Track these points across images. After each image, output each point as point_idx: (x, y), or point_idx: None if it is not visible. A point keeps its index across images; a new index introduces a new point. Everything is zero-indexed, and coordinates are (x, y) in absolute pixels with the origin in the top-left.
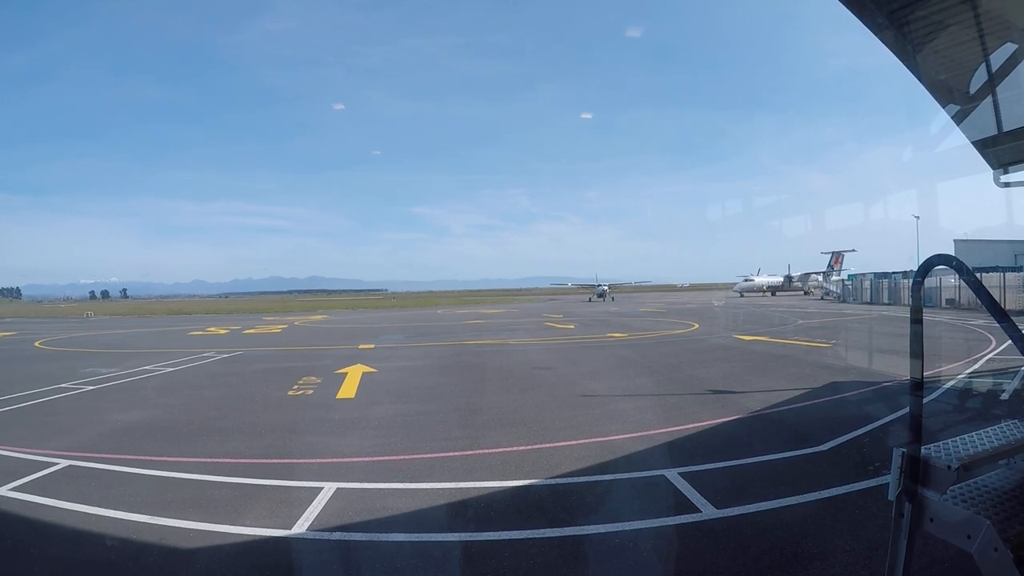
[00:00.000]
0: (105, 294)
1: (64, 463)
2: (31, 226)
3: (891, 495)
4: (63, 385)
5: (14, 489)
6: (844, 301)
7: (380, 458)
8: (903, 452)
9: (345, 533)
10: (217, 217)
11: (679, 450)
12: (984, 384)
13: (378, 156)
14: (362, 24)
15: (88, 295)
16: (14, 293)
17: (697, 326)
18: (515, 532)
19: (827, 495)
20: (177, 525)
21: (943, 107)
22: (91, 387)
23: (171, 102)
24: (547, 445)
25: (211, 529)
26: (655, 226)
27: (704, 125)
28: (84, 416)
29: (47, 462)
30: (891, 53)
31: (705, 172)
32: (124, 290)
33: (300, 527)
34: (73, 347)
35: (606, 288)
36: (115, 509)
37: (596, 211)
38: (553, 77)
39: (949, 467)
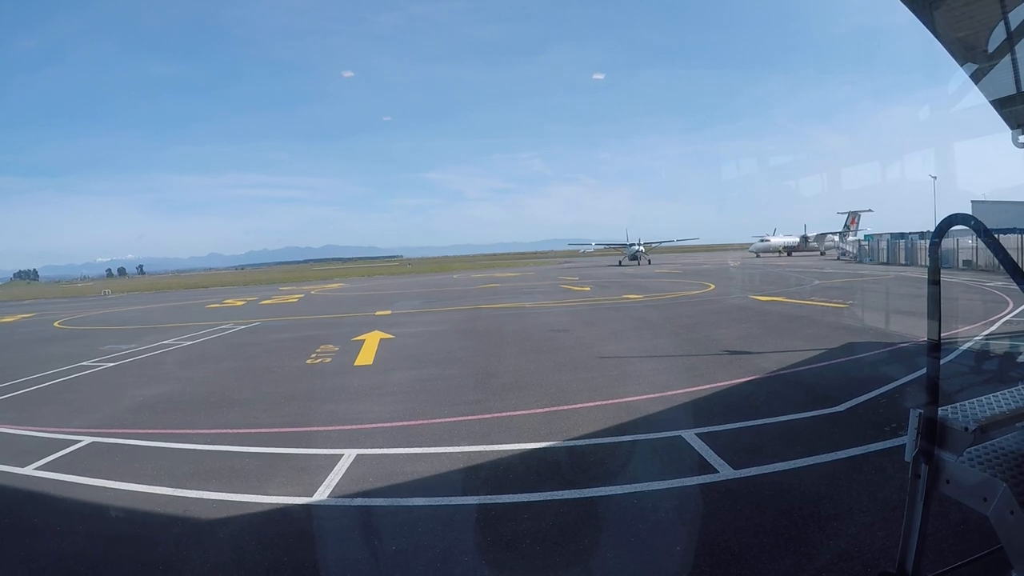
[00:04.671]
0: (122, 271)
1: (87, 440)
2: (46, 208)
3: (908, 456)
4: (84, 363)
5: (39, 468)
6: (860, 262)
7: (399, 423)
8: (920, 413)
9: (366, 499)
10: (231, 190)
11: (696, 411)
12: (1001, 346)
13: (391, 123)
14: None
15: (105, 273)
16: (31, 275)
17: (713, 287)
18: (534, 494)
19: (843, 456)
20: (200, 496)
21: (961, 65)
22: (111, 364)
23: (181, 77)
24: (564, 407)
25: (233, 499)
26: (669, 187)
27: (718, 84)
28: (105, 393)
29: (70, 440)
30: (908, 10)
31: (719, 132)
32: (141, 266)
33: (321, 494)
34: (92, 325)
35: (640, 248)
36: (138, 483)
37: (610, 172)
38: (564, 38)
39: (966, 429)
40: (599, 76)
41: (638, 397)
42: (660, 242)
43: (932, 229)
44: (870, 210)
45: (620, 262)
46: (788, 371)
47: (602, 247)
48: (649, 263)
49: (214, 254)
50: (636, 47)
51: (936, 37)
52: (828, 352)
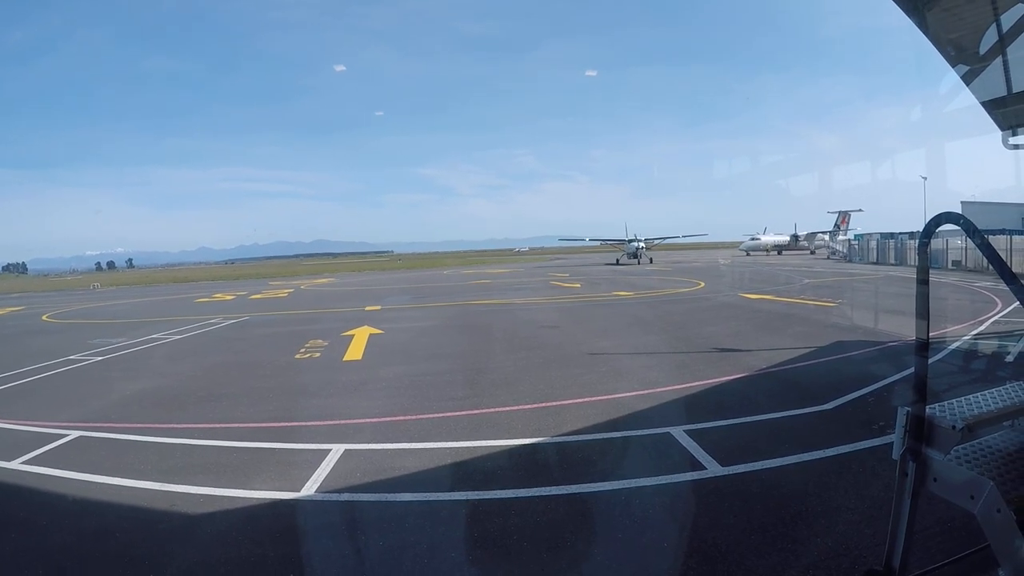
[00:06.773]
0: (111, 265)
1: (75, 434)
2: (34, 200)
3: (895, 454)
4: (72, 357)
5: (26, 462)
6: (850, 261)
7: (387, 419)
8: (908, 411)
9: (353, 494)
10: (221, 183)
11: (685, 408)
12: (990, 346)
13: (383, 118)
14: None
15: (94, 267)
16: (20, 268)
17: (703, 284)
18: (522, 490)
19: (831, 453)
20: (187, 491)
21: (952, 67)
22: (100, 358)
23: (171, 69)
24: (553, 404)
25: (220, 494)
26: (662, 184)
27: (709, 83)
28: (93, 387)
29: (57, 434)
30: (901, 11)
31: (711, 130)
32: (130, 260)
33: (308, 489)
34: (81, 319)
35: (642, 244)
36: (125, 477)
37: (603, 169)
38: (557, 35)
39: (954, 427)
40: (592, 73)
41: (627, 394)
42: (663, 238)
43: (921, 229)
44: (860, 210)
45: (617, 260)
46: (777, 369)
47: (597, 243)
48: (651, 261)
49: (204, 248)
50: (629, 45)
51: (928, 38)
52: (817, 350)
